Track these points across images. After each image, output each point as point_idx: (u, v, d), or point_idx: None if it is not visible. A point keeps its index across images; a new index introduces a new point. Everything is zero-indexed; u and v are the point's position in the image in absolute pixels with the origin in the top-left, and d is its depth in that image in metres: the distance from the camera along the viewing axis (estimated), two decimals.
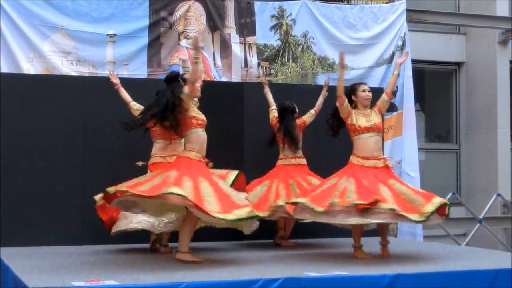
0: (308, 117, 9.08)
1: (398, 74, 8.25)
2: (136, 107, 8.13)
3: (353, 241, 7.78)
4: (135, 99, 8.36)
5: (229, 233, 8.50)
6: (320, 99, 9.10)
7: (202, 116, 7.27)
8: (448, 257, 7.80)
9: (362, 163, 7.71)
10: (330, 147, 9.01)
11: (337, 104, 7.85)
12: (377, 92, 8.41)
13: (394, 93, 11.47)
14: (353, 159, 7.79)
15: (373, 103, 7.96)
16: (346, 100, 7.81)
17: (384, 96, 8.00)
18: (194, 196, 6.59)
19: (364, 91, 7.91)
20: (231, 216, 6.71)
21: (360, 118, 7.80)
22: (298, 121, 9.00)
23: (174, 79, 7.29)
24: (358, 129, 7.76)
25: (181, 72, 9.72)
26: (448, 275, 6.52)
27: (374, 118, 7.83)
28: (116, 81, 8.33)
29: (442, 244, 9.91)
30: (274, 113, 9.04)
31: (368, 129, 7.76)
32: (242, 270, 6.62)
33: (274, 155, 9.10)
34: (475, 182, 14.20)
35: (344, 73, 7.93)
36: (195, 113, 7.26)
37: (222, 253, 7.97)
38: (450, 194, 12.25)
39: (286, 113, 8.92)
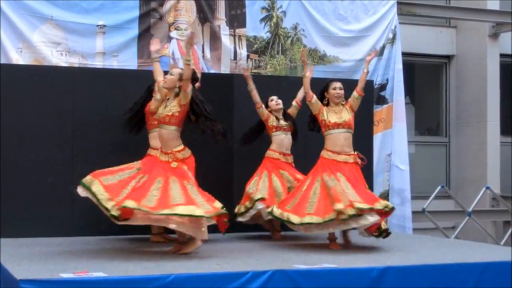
0: (291, 110, 9.08)
1: (368, 72, 8.38)
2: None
3: (328, 233, 7.96)
4: (125, 90, 8.35)
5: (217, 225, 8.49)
6: (301, 90, 9.01)
7: (172, 112, 7.32)
8: (437, 250, 7.82)
9: (333, 158, 7.93)
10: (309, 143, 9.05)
11: (306, 101, 8.08)
12: (366, 85, 8.40)
13: (384, 86, 11.55)
14: (324, 153, 8.03)
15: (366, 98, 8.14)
16: (315, 97, 8.05)
17: (354, 94, 8.15)
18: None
19: (335, 88, 8.07)
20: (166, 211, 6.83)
21: (331, 115, 7.99)
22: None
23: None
24: (329, 124, 7.97)
25: (171, 63, 9.74)
26: (437, 268, 6.54)
27: (344, 115, 8.01)
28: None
29: (431, 237, 9.94)
30: (265, 110, 9.06)
31: (338, 125, 7.95)
32: (231, 262, 6.63)
33: (263, 147, 9.09)
34: (464, 175, 14.21)
35: (308, 70, 8.07)
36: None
37: (212, 244, 7.96)
38: (439, 187, 12.28)
39: None
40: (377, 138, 11.40)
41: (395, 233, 10.21)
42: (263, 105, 9.06)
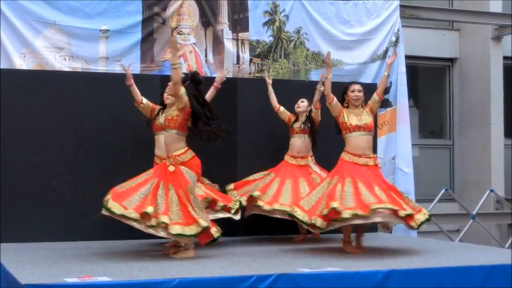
0: (313, 114, 9.07)
1: (388, 75, 8.35)
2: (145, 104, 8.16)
3: (344, 235, 7.89)
4: (128, 95, 8.34)
5: (223, 229, 8.49)
6: (316, 95, 9.01)
7: (171, 116, 7.37)
8: (442, 253, 7.80)
9: (354, 161, 7.86)
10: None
11: (326, 103, 8.01)
12: (370, 88, 8.43)
13: (387, 90, 11.55)
14: (344, 156, 7.94)
15: (367, 99, 8.05)
16: (335, 99, 7.98)
17: (375, 97, 8.12)
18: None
19: (353, 91, 8.03)
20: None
21: (352, 117, 7.95)
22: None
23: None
24: (350, 127, 7.92)
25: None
26: (441, 271, 6.53)
27: (365, 118, 7.97)
28: (129, 76, 8.24)
29: (436, 240, 9.92)
30: (286, 112, 9.12)
31: (359, 128, 7.91)
32: (235, 266, 6.62)
33: (268, 151, 9.11)
34: (468, 178, 14.20)
35: (331, 72, 8.04)
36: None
37: (216, 248, 7.96)
38: (443, 190, 12.27)
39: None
40: (381, 141, 11.40)
41: (399, 236, 10.22)
42: (281, 108, 9.10)
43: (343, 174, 7.76)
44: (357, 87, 8.07)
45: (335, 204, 7.40)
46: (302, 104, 9.09)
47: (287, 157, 9.10)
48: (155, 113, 8.17)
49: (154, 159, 8.32)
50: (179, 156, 7.28)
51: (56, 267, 6.40)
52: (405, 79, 11.81)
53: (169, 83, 7.42)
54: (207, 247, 7.45)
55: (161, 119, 7.87)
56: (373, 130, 8.10)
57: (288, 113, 9.15)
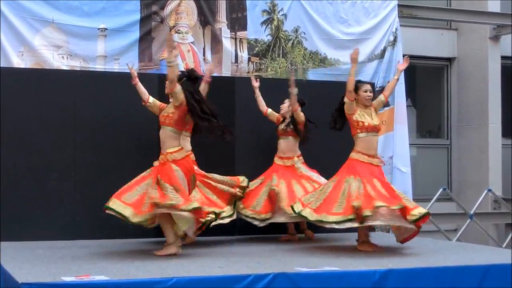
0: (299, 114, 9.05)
1: (398, 79, 8.41)
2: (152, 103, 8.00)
3: (360, 236, 7.90)
4: (126, 93, 8.34)
5: (221, 228, 8.50)
6: (291, 98, 8.93)
7: (168, 113, 7.39)
8: (439, 252, 7.81)
9: (369, 161, 7.91)
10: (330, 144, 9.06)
11: (346, 99, 7.93)
12: None
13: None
14: (356, 155, 7.92)
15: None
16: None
17: (382, 98, 8.17)
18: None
19: (366, 91, 8.02)
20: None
21: (365, 117, 7.93)
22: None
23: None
24: (367, 126, 7.91)
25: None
26: (438, 271, 6.53)
27: (375, 119, 8.00)
28: (134, 75, 8.06)
29: (433, 239, 9.92)
30: (274, 113, 9.13)
31: (373, 128, 7.93)
32: (233, 265, 6.62)
33: (265, 151, 9.10)
34: (466, 177, 14.21)
35: (355, 69, 7.97)
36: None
37: (213, 247, 7.96)
38: (441, 190, 12.27)
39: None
40: (379, 141, 11.30)
41: None
42: (268, 110, 9.17)
43: (364, 174, 7.76)
44: (368, 87, 8.07)
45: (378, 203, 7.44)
46: (283, 106, 9.09)
47: (276, 158, 9.12)
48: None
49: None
50: (171, 154, 7.28)
51: (53, 266, 6.39)
52: (402, 78, 11.79)
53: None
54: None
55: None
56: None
57: (276, 115, 9.14)
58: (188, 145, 8.18)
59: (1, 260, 6.49)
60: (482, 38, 14.09)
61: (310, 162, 9.08)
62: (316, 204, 7.72)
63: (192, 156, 7.99)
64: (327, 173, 8.45)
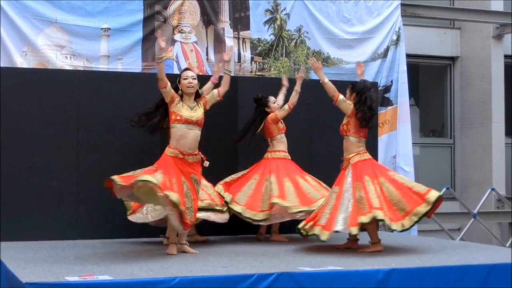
0: (281, 113, 8.95)
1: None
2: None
3: (372, 238, 7.86)
4: (129, 93, 8.34)
5: (224, 227, 8.51)
6: (293, 94, 8.92)
7: (184, 112, 7.35)
8: (443, 252, 7.80)
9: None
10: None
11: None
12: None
13: (388, 88, 11.58)
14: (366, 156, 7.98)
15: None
16: None
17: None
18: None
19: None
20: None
21: None
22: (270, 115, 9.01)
23: None
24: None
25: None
26: (442, 270, 6.52)
27: None
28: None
29: (437, 238, 9.92)
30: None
31: None
32: (236, 265, 6.62)
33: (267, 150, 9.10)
34: (469, 176, 14.20)
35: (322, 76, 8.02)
36: (175, 108, 7.38)
37: (217, 247, 7.96)
38: (444, 189, 12.24)
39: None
40: (382, 140, 11.40)
41: (400, 235, 10.21)
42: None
43: (373, 174, 7.81)
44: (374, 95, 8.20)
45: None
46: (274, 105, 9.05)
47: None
48: None
49: None
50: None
51: (57, 265, 6.39)
52: (405, 77, 11.81)
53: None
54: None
55: None
56: None
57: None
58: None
59: (1, 260, 6.51)
60: (485, 37, 14.08)
61: (313, 162, 9.09)
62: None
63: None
64: (328, 174, 8.45)
